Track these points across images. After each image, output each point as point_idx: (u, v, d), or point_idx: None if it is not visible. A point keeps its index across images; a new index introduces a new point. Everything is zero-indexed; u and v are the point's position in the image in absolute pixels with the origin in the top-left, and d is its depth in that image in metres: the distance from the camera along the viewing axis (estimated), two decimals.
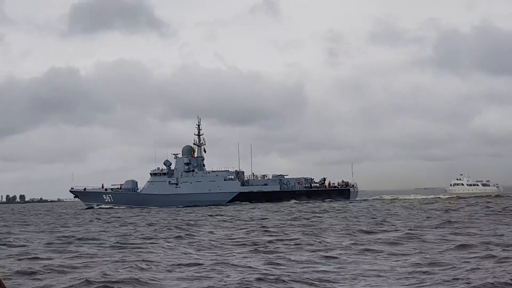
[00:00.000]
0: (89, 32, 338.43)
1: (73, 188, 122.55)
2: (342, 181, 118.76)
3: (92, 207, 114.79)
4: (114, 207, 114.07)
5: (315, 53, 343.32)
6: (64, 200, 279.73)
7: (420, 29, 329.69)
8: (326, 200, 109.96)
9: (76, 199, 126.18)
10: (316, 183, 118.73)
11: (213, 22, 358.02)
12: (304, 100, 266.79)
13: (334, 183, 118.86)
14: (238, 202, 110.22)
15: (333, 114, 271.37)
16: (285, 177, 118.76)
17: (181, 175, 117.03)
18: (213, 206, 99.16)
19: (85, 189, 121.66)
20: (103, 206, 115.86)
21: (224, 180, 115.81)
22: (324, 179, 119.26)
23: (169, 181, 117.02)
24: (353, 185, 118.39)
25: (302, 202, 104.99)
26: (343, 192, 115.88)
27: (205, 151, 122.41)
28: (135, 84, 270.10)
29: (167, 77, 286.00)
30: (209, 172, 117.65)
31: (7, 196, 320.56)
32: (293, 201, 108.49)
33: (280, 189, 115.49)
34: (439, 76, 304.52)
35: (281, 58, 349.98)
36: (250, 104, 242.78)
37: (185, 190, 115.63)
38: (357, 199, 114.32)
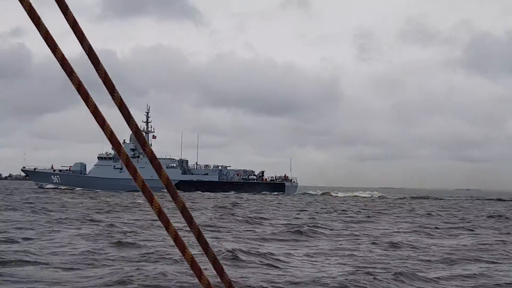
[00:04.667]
0: (123, 16, 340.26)
1: (24, 168, 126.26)
2: (285, 175, 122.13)
3: (41, 187, 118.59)
4: (60, 187, 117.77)
5: (346, 48, 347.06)
6: None
7: (452, 30, 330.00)
8: (262, 192, 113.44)
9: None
10: (255, 175, 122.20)
11: (245, 13, 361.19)
12: (339, 94, 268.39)
13: (273, 177, 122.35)
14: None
15: (366, 109, 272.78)
16: (227, 168, 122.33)
17: None
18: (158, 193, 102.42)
19: (35, 169, 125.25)
20: (50, 186, 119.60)
21: (166, 167, 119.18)
22: (263, 172, 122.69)
23: (114, 166, 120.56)
24: (291, 180, 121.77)
25: (240, 193, 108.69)
26: (279, 186, 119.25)
27: (154, 138, 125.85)
28: (171, 70, 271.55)
29: (202, 65, 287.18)
30: None
31: None
32: (232, 192, 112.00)
33: (218, 179, 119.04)
34: (470, 78, 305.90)
35: (312, 52, 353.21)
36: (283, 96, 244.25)
37: (128, 175, 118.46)
38: (295, 193, 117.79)
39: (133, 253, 21.68)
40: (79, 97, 2.37)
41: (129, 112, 2.44)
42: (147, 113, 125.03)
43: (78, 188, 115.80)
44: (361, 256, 22.46)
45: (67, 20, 2.33)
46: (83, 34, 2.35)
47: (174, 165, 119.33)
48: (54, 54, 2.36)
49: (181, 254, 2.48)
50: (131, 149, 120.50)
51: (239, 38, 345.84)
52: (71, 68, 2.36)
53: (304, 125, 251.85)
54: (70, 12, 2.32)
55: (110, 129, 2.42)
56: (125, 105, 2.43)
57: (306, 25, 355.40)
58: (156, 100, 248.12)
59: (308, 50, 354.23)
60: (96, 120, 2.37)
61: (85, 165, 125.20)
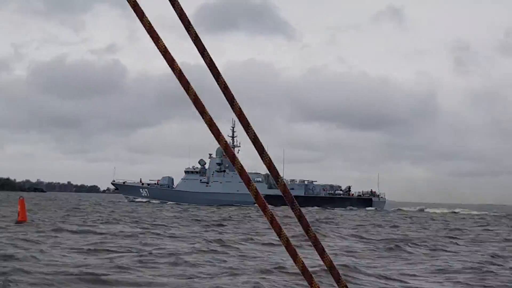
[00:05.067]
0: (215, 32, 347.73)
1: (114, 181, 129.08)
2: (371, 191, 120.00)
3: (131, 200, 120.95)
4: (150, 201, 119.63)
5: (442, 62, 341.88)
6: None
7: None
8: (348, 207, 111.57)
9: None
10: (341, 190, 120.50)
11: (337, 26, 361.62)
12: (435, 108, 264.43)
13: (360, 192, 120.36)
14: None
15: (465, 124, 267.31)
16: (314, 183, 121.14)
17: (213, 174, 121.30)
18: (243, 206, 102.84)
19: (124, 182, 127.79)
20: (139, 199, 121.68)
21: (256, 182, 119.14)
22: (349, 188, 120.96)
23: (201, 180, 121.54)
24: (379, 195, 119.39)
25: (325, 208, 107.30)
26: (366, 201, 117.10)
27: (237, 152, 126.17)
28: (263, 84, 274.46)
29: (294, 79, 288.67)
30: None
31: None
32: (315, 207, 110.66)
33: (304, 194, 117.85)
34: None
35: (406, 65, 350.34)
36: (377, 110, 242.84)
37: (215, 189, 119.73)
38: (384, 209, 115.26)
39: None
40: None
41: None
42: (233, 127, 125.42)
43: (170, 202, 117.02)
44: None
45: (189, 34, 2.55)
46: (204, 47, 2.58)
47: (260, 179, 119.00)
48: (172, 69, 2.53)
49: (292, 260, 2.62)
50: (217, 163, 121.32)
51: (331, 52, 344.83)
52: (188, 82, 2.56)
53: (399, 140, 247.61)
54: (192, 27, 2.55)
55: (225, 140, 2.59)
56: (244, 115, 2.63)
57: (399, 38, 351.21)
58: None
59: (402, 63, 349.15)
60: (211, 131, 2.56)
61: (172, 179, 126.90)
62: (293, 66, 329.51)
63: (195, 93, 2.52)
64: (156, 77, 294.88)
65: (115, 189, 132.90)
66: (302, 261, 2.57)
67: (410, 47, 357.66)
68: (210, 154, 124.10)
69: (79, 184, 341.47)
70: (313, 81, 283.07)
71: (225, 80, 2.54)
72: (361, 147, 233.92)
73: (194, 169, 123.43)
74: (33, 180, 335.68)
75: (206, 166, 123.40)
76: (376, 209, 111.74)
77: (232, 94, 2.55)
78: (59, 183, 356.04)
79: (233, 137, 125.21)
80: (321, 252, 2.59)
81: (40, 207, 70.90)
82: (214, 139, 2.55)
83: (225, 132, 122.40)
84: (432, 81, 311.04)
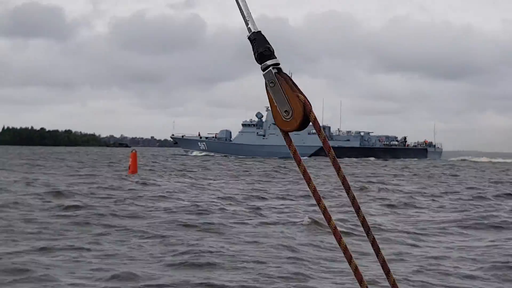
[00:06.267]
0: None
1: (173, 135, 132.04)
2: (425, 141, 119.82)
3: (189, 154, 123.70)
4: (208, 154, 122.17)
5: None
6: None
7: None
8: (402, 159, 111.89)
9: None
10: (397, 141, 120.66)
11: None
12: None
13: (415, 142, 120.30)
14: (319, 156, 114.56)
15: None
16: (370, 134, 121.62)
17: (269, 127, 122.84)
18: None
19: (183, 136, 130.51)
20: (196, 153, 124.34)
21: (308, 134, 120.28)
22: (405, 138, 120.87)
23: (257, 133, 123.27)
24: (435, 145, 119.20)
25: (379, 159, 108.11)
26: (420, 151, 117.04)
27: None
28: (343, 36, 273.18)
29: (375, 30, 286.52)
30: None
31: None
32: (372, 158, 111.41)
33: (359, 145, 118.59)
34: None
35: (492, 13, 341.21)
36: (460, 59, 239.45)
37: (271, 142, 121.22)
38: (440, 159, 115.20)
39: None
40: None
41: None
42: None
43: (224, 155, 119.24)
44: None
45: None
46: None
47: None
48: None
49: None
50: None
51: (413, 1, 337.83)
52: None
53: (483, 90, 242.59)
54: None
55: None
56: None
57: None
58: (329, 67, 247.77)
59: (487, 11, 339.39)
60: None
61: (230, 132, 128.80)
62: (374, 16, 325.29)
63: None
64: (235, 31, 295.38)
65: (174, 143, 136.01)
66: (334, 223, 2.50)
67: None
68: (266, 107, 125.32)
69: (162, 139, 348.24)
70: (395, 32, 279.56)
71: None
72: (444, 97, 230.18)
73: (251, 122, 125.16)
74: (117, 135, 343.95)
75: (263, 119, 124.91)
76: (429, 159, 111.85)
77: None
78: (142, 138, 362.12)
79: None
80: (367, 230, 2.50)
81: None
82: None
83: (259, 85, 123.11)
84: None
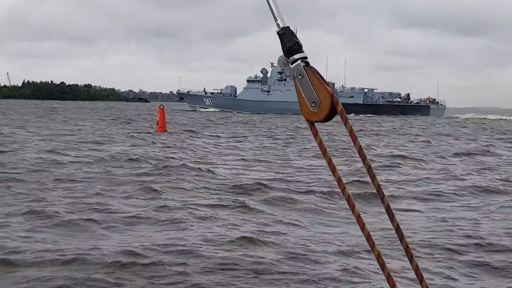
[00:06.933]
0: None
1: (179, 91, 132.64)
2: (429, 98, 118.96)
3: (195, 109, 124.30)
4: (214, 110, 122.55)
5: None
6: None
7: None
8: (403, 116, 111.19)
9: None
10: (400, 98, 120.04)
11: None
12: None
13: (418, 99, 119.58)
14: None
15: None
16: (374, 90, 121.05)
17: (274, 83, 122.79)
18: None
19: (188, 92, 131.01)
20: (202, 109, 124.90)
21: None
22: (408, 95, 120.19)
23: (262, 88, 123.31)
24: (438, 102, 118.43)
25: (381, 115, 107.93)
26: (423, 108, 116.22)
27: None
28: None
29: None
30: None
31: None
32: (374, 115, 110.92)
33: (363, 102, 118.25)
34: None
35: None
36: (480, 14, 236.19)
37: (275, 97, 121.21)
38: (443, 116, 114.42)
39: None
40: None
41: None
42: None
43: (228, 110, 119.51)
44: None
45: None
46: None
47: None
48: None
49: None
50: (278, 72, 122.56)
51: None
52: None
53: (504, 46, 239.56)
54: None
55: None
56: None
57: None
58: (347, 22, 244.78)
59: None
60: None
61: (235, 88, 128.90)
62: None
63: None
64: None
65: (180, 99, 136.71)
66: (348, 193, 2.59)
67: None
68: (271, 63, 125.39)
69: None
70: None
71: None
72: (464, 53, 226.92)
73: (256, 78, 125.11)
74: (136, 90, 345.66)
75: (268, 75, 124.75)
76: (431, 116, 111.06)
77: None
78: (161, 93, 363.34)
79: None
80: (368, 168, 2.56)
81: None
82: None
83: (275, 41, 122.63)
84: None
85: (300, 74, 2.60)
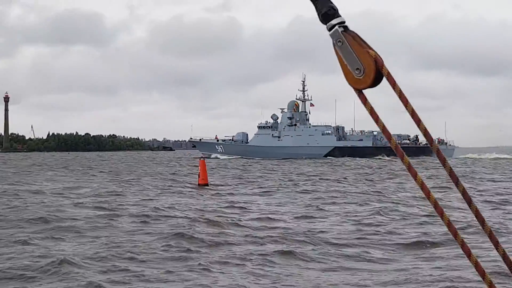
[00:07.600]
0: None
1: (191, 138, 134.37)
2: (438, 139, 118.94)
3: (207, 157, 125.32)
4: (228, 157, 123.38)
5: None
6: None
7: None
8: (411, 157, 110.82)
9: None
10: (409, 140, 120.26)
11: None
12: None
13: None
14: (333, 156, 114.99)
15: None
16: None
17: (284, 128, 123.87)
18: (309, 159, 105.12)
19: (201, 139, 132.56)
20: (214, 156, 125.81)
21: (322, 134, 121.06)
22: (417, 136, 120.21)
23: (272, 134, 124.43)
24: (446, 143, 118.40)
25: (389, 158, 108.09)
26: (426, 150, 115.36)
27: (312, 105, 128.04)
28: (380, 33, 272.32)
29: (412, 27, 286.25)
30: (309, 127, 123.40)
31: None
32: (385, 157, 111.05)
33: (372, 145, 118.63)
34: None
35: None
36: (497, 55, 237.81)
37: (286, 143, 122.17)
38: (453, 157, 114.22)
39: None
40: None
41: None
42: (303, 81, 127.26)
43: (242, 157, 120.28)
44: None
45: None
46: None
47: (329, 131, 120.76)
48: None
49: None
50: (288, 117, 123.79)
51: None
52: None
53: None
54: None
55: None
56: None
57: None
58: None
59: None
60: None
61: (247, 134, 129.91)
62: (410, 14, 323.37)
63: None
64: (272, 32, 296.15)
65: (192, 146, 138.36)
66: (448, 218, 2.31)
67: None
68: (282, 109, 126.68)
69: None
70: (431, 29, 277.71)
71: None
72: (482, 93, 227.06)
73: (267, 124, 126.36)
74: (159, 139, 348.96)
75: (278, 121, 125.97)
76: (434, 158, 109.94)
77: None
78: (185, 141, 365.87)
79: (303, 91, 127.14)
80: (482, 222, 2.32)
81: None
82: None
83: (296, 86, 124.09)
84: None
85: (340, 41, 2.44)
